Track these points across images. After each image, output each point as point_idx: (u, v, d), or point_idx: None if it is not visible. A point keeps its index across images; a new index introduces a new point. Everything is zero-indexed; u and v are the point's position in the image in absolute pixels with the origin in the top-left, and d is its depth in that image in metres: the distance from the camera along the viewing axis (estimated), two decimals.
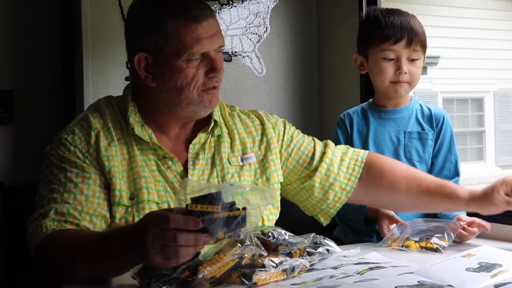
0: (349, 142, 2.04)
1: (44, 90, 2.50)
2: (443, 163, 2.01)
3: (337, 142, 2.05)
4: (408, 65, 1.95)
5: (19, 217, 1.61)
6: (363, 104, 2.11)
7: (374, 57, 1.97)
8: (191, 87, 1.57)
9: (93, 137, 1.58)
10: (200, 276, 1.27)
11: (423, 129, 2.02)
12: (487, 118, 9.79)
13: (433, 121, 2.02)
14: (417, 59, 1.95)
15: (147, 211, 1.54)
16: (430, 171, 2.01)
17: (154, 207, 1.56)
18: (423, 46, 1.96)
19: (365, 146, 2.02)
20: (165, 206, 1.57)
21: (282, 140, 1.79)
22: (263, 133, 1.76)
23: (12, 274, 2.11)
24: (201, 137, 1.68)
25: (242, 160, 1.71)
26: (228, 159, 1.69)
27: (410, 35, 1.93)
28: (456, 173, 2.01)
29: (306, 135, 1.85)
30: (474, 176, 8.66)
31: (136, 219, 1.54)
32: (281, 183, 1.78)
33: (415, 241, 1.70)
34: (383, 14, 1.97)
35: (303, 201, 1.82)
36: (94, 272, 1.37)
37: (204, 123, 1.69)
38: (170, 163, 1.63)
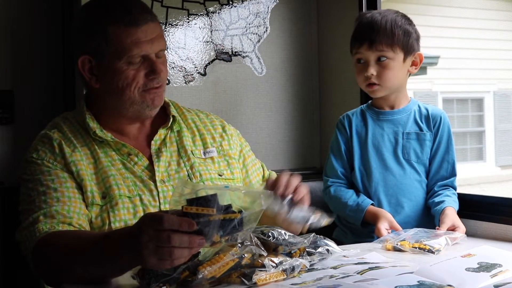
0: (348, 144, 2.05)
1: (44, 90, 2.50)
2: (441, 163, 2.01)
3: (336, 144, 2.08)
4: (376, 66, 1.96)
5: (19, 217, 1.62)
6: (362, 106, 2.12)
7: (352, 60, 2.04)
8: (132, 88, 1.63)
9: (56, 147, 1.64)
10: (200, 276, 1.27)
11: (421, 129, 2.02)
12: (487, 118, 9.79)
13: (430, 121, 2.02)
14: (386, 59, 1.95)
15: (120, 206, 1.59)
16: (428, 172, 2.02)
17: (127, 201, 1.61)
18: (393, 45, 1.94)
19: (363, 148, 2.03)
20: (137, 199, 1.62)
21: (240, 152, 1.86)
22: (225, 132, 1.84)
23: (12, 274, 2.11)
24: (161, 133, 1.74)
25: (204, 153, 1.77)
26: (191, 151, 1.75)
27: (372, 36, 1.94)
28: (453, 173, 2.01)
29: (257, 159, 1.94)
30: (474, 176, 8.67)
31: (111, 214, 1.58)
32: None
33: (410, 242, 1.70)
34: (361, 17, 2.02)
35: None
36: (92, 273, 1.37)
37: (163, 120, 1.75)
38: (136, 159, 1.68)
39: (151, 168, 1.68)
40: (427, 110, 2.05)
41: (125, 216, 1.60)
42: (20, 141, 2.45)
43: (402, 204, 1.99)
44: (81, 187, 1.60)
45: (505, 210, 1.94)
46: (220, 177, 1.75)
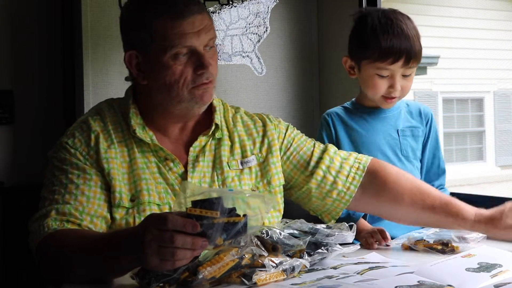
0: (334, 143, 1.99)
1: (44, 90, 2.50)
2: (432, 159, 2.02)
3: (321, 142, 2.03)
4: (401, 80, 1.91)
5: (19, 217, 1.62)
6: (346, 104, 2.07)
7: (367, 71, 1.93)
8: (180, 84, 1.57)
9: (93, 139, 1.59)
10: (200, 276, 1.27)
11: (413, 125, 2.02)
12: (487, 118, 9.79)
13: (422, 117, 2.02)
14: (411, 74, 1.92)
15: (148, 212, 1.54)
16: (420, 168, 2.01)
17: (155, 209, 1.56)
18: (420, 58, 1.91)
19: (356, 147, 1.98)
20: (166, 207, 1.58)
21: (282, 143, 1.78)
22: (265, 135, 1.76)
23: (12, 273, 2.11)
24: (201, 140, 1.67)
25: (241, 163, 1.70)
26: (227, 163, 1.68)
27: (408, 56, 1.87)
28: (443, 170, 2.02)
29: (309, 139, 1.83)
30: (474, 176, 8.67)
31: (137, 220, 1.54)
32: (283, 185, 1.77)
33: (427, 241, 1.69)
34: (381, 27, 1.90)
35: (304, 205, 1.81)
36: (94, 272, 1.37)
37: (205, 126, 1.69)
38: (171, 164, 1.63)
39: (185, 177, 1.62)
40: (416, 106, 2.04)
41: None
42: (20, 141, 2.45)
43: None
44: (108, 186, 1.56)
45: None
46: (253, 192, 1.67)
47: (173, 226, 1.21)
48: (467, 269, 1.37)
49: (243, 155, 1.71)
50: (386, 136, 2.00)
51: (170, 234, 1.20)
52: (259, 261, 1.33)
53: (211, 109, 1.70)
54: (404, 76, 1.91)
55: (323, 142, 1.94)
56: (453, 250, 1.63)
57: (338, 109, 2.06)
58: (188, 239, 1.21)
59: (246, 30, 2.71)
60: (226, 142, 1.70)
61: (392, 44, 1.87)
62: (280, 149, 1.77)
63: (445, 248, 1.64)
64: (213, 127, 1.68)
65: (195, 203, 1.23)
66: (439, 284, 1.28)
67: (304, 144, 1.80)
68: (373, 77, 1.92)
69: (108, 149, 1.58)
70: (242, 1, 2.69)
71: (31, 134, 2.45)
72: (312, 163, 1.76)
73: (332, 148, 1.81)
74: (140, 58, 1.60)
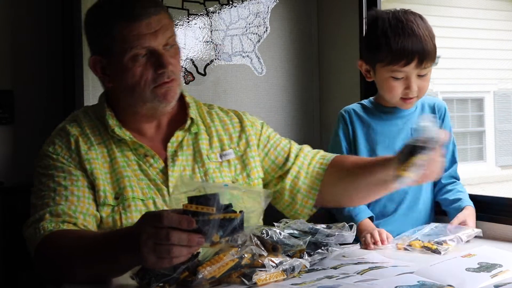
0: (351, 140, 2.01)
1: (44, 90, 2.50)
2: (445, 154, 2.00)
3: (337, 140, 2.02)
4: (417, 81, 1.89)
5: (19, 217, 1.62)
6: (363, 101, 2.07)
7: (382, 74, 1.92)
8: (142, 85, 1.61)
9: (73, 143, 1.63)
10: (200, 276, 1.27)
11: None
12: (487, 118, 9.78)
13: (436, 112, 2.01)
14: (426, 74, 1.90)
15: (133, 208, 1.58)
16: None
17: (140, 204, 1.59)
18: (434, 58, 1.88)
19: (372, 145, 1.98)
20: (150, 202, 1.61)
21: (259, 140, 1.81)
22: (242, 130, 1.79)
23: (12, 274, 2.11)
24: (178, 135, 1.71)
25: (221, 156, 1.74)
26: (207, 155, 1.72)
27: (421, 57, 1.85)
28: (455, 161, 2.01)
29: (283, 138, 1.87)
30: (474, 176, 8.66)
31: (123, 217, 1.57)
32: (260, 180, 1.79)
33: (422, 241, 1.69)
34: (392, 29, 1.88)
35: (276, 204, 1.83)
36: (93, 272, 1.37)
37: (181, 121, 1.72)
38: (151, 160, 1.66)
39: (165, 171, 1.65)
40: (430, 101, 2.03)
41: (137, 218, 1.56)
42: (20, 141, 2.45)
43: (418, 199, 1.97)
44: (93, 186, 1.59)
45: (505, 210, 1.94)
46: (233, 184, 1.71)
47: (169, 223, 1.21)
48: (467, 269, 1.37)
49: (222, 148, 1.75)
50: (402, 136, 1.98)
51: (166, 231, 1.21)
52: (259, 261, 1.33)
53: (185, 105, 1.74)
54: (420, 76, 1.90)
55: (339, 140, 2.00)
56: (447, 249, 1.64)
57: (355, 106, 2.06)
58: (184, 236, 1.21)
59: (246, 30, 2.71)
60: (204, 136, 1.74)
61: (403, 46, 1.85)
62: (258, 145, 1.80)
63: (439, 247, 1.64)
64: (189, 122, 1.71)
65: (191, 199, 1.23)
66: (439, 284, 1.28)
67: (280, 141, 1.84)
68: (388, 80, 1.91)
69: (88, 151, 1.62)
70: (242, 1, 2.69)
71: (31, 134, 2.45)
72: (291, 160, 1.80)
73: (306, 147, 1.86)
74: (104, 62, 1.64)
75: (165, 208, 1.60)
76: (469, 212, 1.89)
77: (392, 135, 1.98)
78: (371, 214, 1.90)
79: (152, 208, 1.60)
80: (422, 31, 1.88)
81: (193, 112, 1.74)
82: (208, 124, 1.77)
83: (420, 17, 1.94)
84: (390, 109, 2.00)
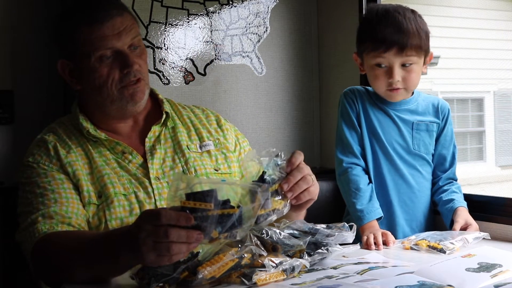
0: (359, 119, 1.99)
1: (44, 90, 2.50)
2: (445, 155, 2.00)
3: (347, 114, 2.00)
4: (401, 71, 1.90)
5: (17, 219, 1.62)
6: (368, 87, 2.04)
7: (368, 62, 1.94)
8: (109, 85, 1.64)
9: (52, 149, 1.65)
10: (200, 276, 1.27)
11: (429, 120, 2.00)
12: (487, 118, 9.78)
13: (439, 112, 2.01)
14: (411, 64, 1.90)
15: (116, 204, 1.60)
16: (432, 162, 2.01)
17: (122, 199, 1.61)
18: (419, 50, 1.89)
19: (370, 134, 1.98)
20: (132, 196, 1.62)
21: (234, 140, 1.84)
22: (220, 127, 1.84)
23: (12, 274, 2.10)
24: (155, 130, 1.74)
25: (200, 147, 1.77)
26: (187, 146, 1.75)
27: (401, 42, 1.86)
28: (454, 163, 2.01)
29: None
30: (474, 176, 8.66)
31: (107, 213, 1.59)
32: None
33: (428, 241, 1.69)
34: (378, 17, 1.91)
35: None
36: (92, 273, 1.37)
37: (156, 117, 1.76)
38: (130, 157, 1.69)
39: (145, 166, 1.68)
40: (433, 100, 2.03)
41: (121, 213, 1.60)
42: (20, 141, 2.44)
43: (414, 198, 1.98)
44: (77, 188, 1.61)
45: (505, 210, 1.95)
46: (216, 171, 1.74)
47: (167, 221, 1.21)
48: (467, 269, 1.37)
49: (201, 140, 1.78)
50: (399, 129, 1.98)
51: (164, 229, 1.21)
52: (259, 261, 1.33)
53: (158, 103, 1.79)
54: (404, 66, 1.90)
55: (349, 117, 1.99)
56: (453, 249, 1.64)
57: (360, 88, 2.05)
58: (183, 233, 1.22)
59: (246, 30, 2.71)
60: (182, 130, 1.78)
61: (384, 32, 1.88)
62: (234, 150, 1.83)
63: (445, 247, 1.64)
64: (164, 116, 1.75)
65: (188, 196, 1.23)
66: (439, 284, 1.28)
67: (247, 144, 1.89)
68: (373, 68, 1.93)
69: (68, 154, 1.65)
70: (242, 1, 2.69)
71: (31, 134, 2.44)
72: None
73: None
74: (72, 65, 1.68)
75: (147, 200, 1.62)
76: (465, 213, 1.89)
77: (387, 128, 1.98)
78: (381, 214, 1.89)
79: (134, 202, 1.62)
80: (407, 21, 1.89)
81: (167, 107, 1.78)
82: (184, 120, 1.81)
83: (413, 11, 1.95)
84: (390, 103, 2.00)
